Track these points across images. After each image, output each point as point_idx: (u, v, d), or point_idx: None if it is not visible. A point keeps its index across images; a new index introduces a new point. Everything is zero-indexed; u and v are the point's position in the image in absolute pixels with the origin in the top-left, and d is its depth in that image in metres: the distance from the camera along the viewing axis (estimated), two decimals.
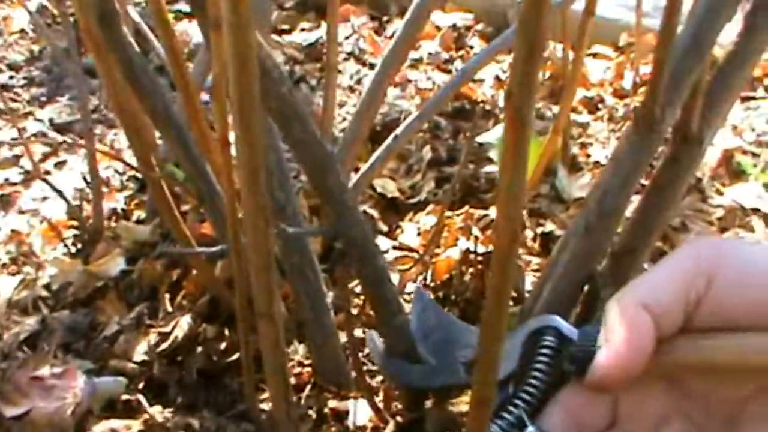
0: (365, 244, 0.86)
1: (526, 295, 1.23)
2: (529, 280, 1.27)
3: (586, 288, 0.95)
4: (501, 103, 1.83)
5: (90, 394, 1.11)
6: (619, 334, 0.48)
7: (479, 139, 1.53)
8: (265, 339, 0.64)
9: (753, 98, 1.94)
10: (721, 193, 1.54)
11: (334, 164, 0.80)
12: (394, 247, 1.40)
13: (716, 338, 0.47)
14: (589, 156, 1.66)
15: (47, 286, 1.39)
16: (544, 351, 0.56)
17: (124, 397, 1.14)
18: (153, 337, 1.21)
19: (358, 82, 2.07)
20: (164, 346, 1.19)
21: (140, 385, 1.17)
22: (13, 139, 1.91)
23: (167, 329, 1.20)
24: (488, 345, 0.45)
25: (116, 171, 1.76)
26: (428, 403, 1.02)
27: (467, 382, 0.84)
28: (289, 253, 1.09)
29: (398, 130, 1.26)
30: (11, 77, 2.24)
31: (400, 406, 1.07)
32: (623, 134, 0.92)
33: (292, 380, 1.16)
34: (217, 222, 1.08)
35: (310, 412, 1.10)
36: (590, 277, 0.93)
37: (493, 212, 1.41)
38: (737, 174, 1.62)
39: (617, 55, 2.15)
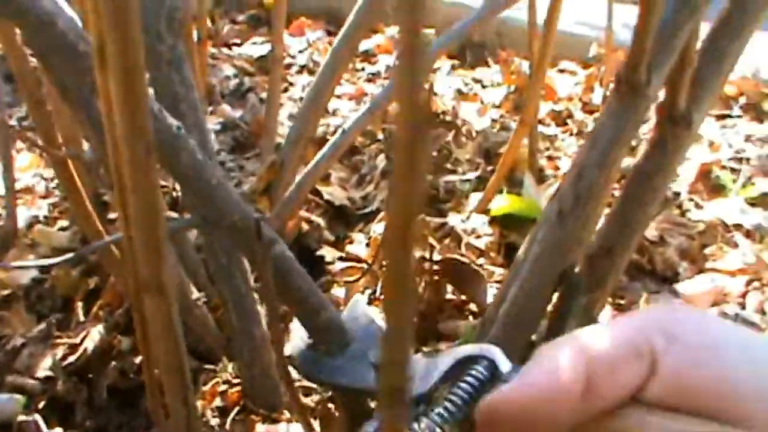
0: (250, 230, 0.65)
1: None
2: (492, 293, 1.13)
3: (558, 292, 0.81)
4: (461, 113, 1.70)
5: None
6: (532, 372, 0.38)
7: None
8: (154, 321, 0.49)
9: (729, 116, 1.85)
10: (700, 208, 1.42)
11: (183, 140, 0.59)
12: (341, 258, 1.25)
13: (648, 417, 0.37)
14: (557, 168, 1.53)
15: None
16: (469, 380, 0.44)
17: (21, 418, 0.97)
18: (61, 351, 1.05)
19: None
20: (72, 359, 1.02)
21: (41, 405, 1.00)
22: None
23: (77, 341, 1.04)
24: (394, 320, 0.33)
25: (42, 177, 1.60)
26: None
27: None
28: (215, 253, 0.95)
29: (345, 125, 1.13)
30: None
31: None
32: (604, 103, 0.79)
33: (218, 401, 1.00)
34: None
35: None
36: (564, 275, 0.78)
37: (452, 220, 1.27)
38: (716, 189, 1.51)
39: (585, 72, 2.05)
